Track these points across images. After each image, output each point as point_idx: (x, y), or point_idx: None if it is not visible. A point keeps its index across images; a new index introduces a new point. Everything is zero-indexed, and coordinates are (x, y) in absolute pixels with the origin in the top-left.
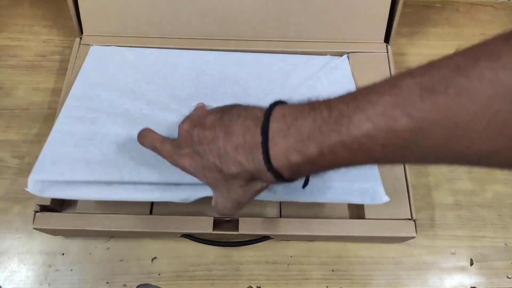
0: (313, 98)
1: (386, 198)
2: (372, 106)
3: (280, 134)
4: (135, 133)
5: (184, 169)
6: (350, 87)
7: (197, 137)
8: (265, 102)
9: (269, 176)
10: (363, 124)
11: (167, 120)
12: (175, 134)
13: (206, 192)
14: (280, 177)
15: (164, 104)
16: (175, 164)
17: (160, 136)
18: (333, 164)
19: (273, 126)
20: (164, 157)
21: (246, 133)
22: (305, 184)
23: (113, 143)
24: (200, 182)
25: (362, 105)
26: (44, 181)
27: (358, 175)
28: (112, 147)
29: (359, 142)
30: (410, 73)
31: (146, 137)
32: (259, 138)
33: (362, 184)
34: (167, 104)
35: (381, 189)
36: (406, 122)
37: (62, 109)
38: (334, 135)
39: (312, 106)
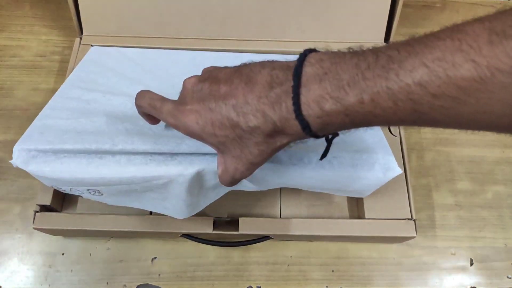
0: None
1: (398, 170)
2: (429, 51)
3: (316, 79)
4: (130, 109)
5: (187, 128)
6: None
7: (209, 90)
8: None
9: (295, 126)
10: (417, 69)
11: None
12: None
13: (204, 164)
14: (307, 129)
15: (162, 89)
16: (177, 124)
17: (161, 96)
18: (371, 117)
19: (308, 70)
20: (163, 116)
21: (273, 81)
22: (323, 155)
23: (106, 115)
24: (198, 152)
25: (418, 49)
26: (30, 150)
27: (367, 146)
28: (104, 119)
29: (408, 91)
30: (478, 19)
31: (144, 97)
32: (290, 83)
33: (372, 154)
34: (166, 90)
35: (392, 159)
36: (469, 69)
37: (57, 91)
38: (379, 81)
39: (355, 52)
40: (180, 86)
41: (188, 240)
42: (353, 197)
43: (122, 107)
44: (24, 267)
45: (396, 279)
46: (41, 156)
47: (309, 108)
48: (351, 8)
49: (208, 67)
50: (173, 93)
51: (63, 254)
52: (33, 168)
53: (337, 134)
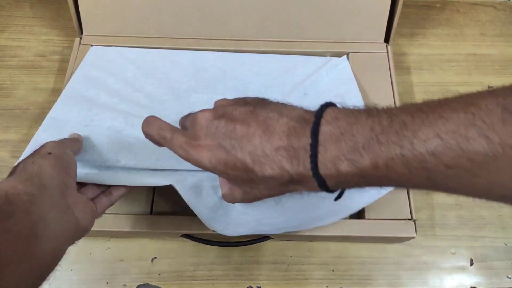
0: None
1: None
2: (443, 122)
3: (332, 138)
4: (132, 121)
5: (198, 163)
6: (352, 85)
7: (224, 129)
8: (267, 96)
9: (311, 182)
10: (431, 140)
11: (166, 111)
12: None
13: (209, 182)
14: (323, 186)
15: (163, 96)
16: (188, 157)
17: (170, 125)
18: (386, 180)
19: (324, 129)
20: (174, 148)
21: (291, 134)
22: (338, 197)
23: (109, 129)
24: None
25: (431, 119)
26: None
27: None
28: (107, 133)
29: (422, 159)
30: (491, 92)
31: (152, 125)
32: (307, 140)
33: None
34: (167, 96)
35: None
36: (482, 144)
37: (58, 99)
38: (393, 147)
39: (369, 112)
40: (180, 91)
41: (188, 240)
42: None
43: (123, 118)
44: None
45: (396, 278)
46: None
47: (326, 168)
48: (351, 8)
49: (221, 101)
50: (173, 99)
51: None
52: None
53: None
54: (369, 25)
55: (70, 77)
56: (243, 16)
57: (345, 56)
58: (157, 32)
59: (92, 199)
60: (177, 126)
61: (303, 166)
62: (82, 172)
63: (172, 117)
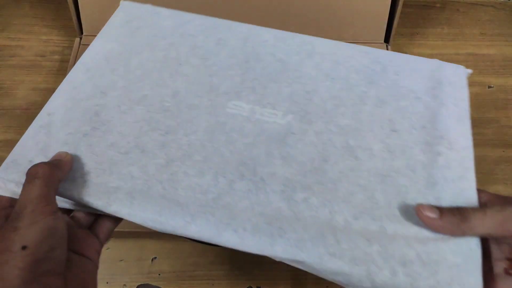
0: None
1: None
2: None
3: None
4: (145, 142)
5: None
6: (465, 125)
7: None
8: (332, 118)
9: None
10: None
11: (191, 125)
12: (196, 153)
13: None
14: None
15: (194, 97)
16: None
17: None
18: None
19: None
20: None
21: None
22: None
23: (111, 148)
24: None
25: None
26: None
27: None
28: (109, 153)
29: None
30: None
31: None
32: None
33: None
34: (198, 98)
35: None
36: None
37: (64, 81)
38: None
39: None
40: (218, 92)
41: (188, 240)
42: None
43: (135, 131)
44: None
45: None
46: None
47: None
48: (352, 8)
49: None
50: (206, 105)
51: None
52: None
53: None
54: (369, 25)
55: None
56: (244, 16)
57: (461, 68)
58: None
59: (91, 227)
60: (199, 148)
61: None
62: (70, 194)
63: (199, 135)
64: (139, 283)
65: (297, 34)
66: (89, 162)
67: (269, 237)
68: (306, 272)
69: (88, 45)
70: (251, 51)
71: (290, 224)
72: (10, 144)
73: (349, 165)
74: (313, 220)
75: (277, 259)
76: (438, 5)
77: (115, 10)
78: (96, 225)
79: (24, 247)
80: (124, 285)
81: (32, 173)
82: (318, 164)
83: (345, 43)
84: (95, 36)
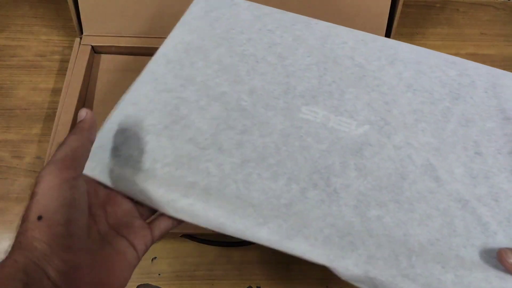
0: None
1: None
2: None
3: None
4: (222, 140)
5: None
6: None
7: None
8: (412, 133)
9: None
10: None
11: (266, 126)
12: (271, 156)
13: None
14: None
15: (270, 97)
16: None
17: None
18: None
19: None
20: None
21: None
22: None
23: (190, 142)
24: None
25: None
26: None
27: None
28: (187, 148)
29: None
30: None
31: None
32: None
33: None
34: (275, 99)
35: None
36: None
37: (145, 72)
38: None
39: None
40: (294, 94)
41: (188, 240)
42: None
43: (213, 127)
44: None
45: None
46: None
47: None
48: (351, 8)
49: None
50: (281, 106)
51: None
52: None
53: None
54: (369, 25)
55: (70, 77)
56: None
57: None
58: (157, 32)
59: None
60: (274, 151)
61: None
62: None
63: (274, 138)
64: (139, 283)
65: (378, 37)
66: (169, 154)
67: (340, 250)
68: (306, 272)
69: (88, 45)
70: (329, 52)
71: (362, 240)
72: (10, 144)
73: (429, 186)
74: (386, 239)
75: (344, 276)
76: (438, 5)
77: (115, 10)
78: (155, 220)
79: (39, 217)
80: None
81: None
82: (395, 181)
83: (430, 50)
84: (95, 36)
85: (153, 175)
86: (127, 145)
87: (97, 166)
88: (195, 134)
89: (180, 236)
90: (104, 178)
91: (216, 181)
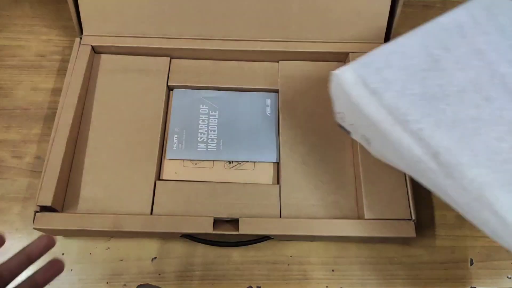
0: None
1: None
2: None
3: None
4: (467, 95)
5: None
6: None
7: None
8: None
9: None
10: None
11: None
12: (499, 122)
13: None
14: None
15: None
16: None
17: None
18: None
19: None
20: None
21: None
22: None
23: (439, 87)
24: None
25: None
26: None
27: None
28: (435, 90)
29: None
30: None
31: None
32: None
33: None
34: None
35: None
36: None
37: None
38: None
39: None
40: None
41: (188, 240)
42: (353, 198)
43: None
44: None
45: (396, 278)
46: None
47: None
48: (351, 9)
49: None
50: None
51: (63, 254)
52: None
53: None
54: (369, 25)
55: (70, 77)
56: (244, 16)
57: None
58: (157, 32)
59: None
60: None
61: None
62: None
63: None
64: (139, 283)
65: None
66: (416, 88)
67: None
68: (306, 272)
69: (88, 45)
70: None
71: None
72: (10, 144)
73: None
74: None
75: None
76: (438, 5)
77: (115, 10)
78: None
79: None
80: (124, 285)
81: None
82: None
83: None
84: (95, 36)
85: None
86: (385, 72)
87: (357, 79)
88: (445, 82)
89: (180, 236)
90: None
91: (448, 120)
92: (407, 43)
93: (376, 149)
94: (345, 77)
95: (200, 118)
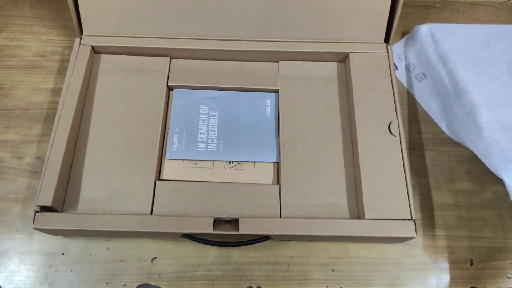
0: None
1: None
2: None
3: None
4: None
5: None
6: None
7: None
8: None
9: None
10: None
11: None
12: None
13: None
14: None
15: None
16: None
17: None
18: None
19: None
20: None
21: None
22: None
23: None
24: None
25: None
26: None
27: None
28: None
29: None
30: None
31: None
32: None
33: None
34: None
35: None
36: None
37: None
38: None
39: None
40: None
41: (188, 240)
42: (353, 198)
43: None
44: (24, 267)
45: (396, 279)
46: None
47: None
48: (351, 9)
49: None
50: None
51: (63, 254)
52: None
53: None
54: (369, 25)
55: (70, 77)
56: (244, 16)
57: None
58: (157, 32)
59: None
60: None
61: None
62: None
63: None
64: (139, 283)
65: None
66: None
67: None
68: (306, 272)
69: (88, 45)
70: None
71: None
72: (10, 144)
73: None
74: None
75: None
76: (438, 5)
77: (115, 10)
78: None
79: None
80: (124, 285)
81: None
82: None
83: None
84: (95, 36)
85: None
86: (449, 35)
87: (429, 31)
88: (486, 56)
89: (180, 236)
90: None
91: (474, 70)
92: (476, 27)
93: (426, 83)
94: (423, 28)
95: (200, 118)
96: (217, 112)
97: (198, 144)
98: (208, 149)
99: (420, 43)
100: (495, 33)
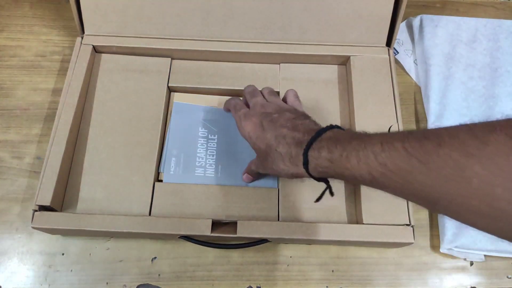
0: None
1: None
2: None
3: (326, 139)
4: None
5: (241, 130)
6: None
7: (270, 118)
8: None
9: (300, 161)
10: (375, 146)
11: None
12: None
13: None
14: (305, 164)
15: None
16: (238, 125)
17: (241, 103)
18: (344, 169)
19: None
20: (235, 116)
21: (304, 131)
22: (318, 199)
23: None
24: None
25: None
26: None
27: None
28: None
29: (367, 158)
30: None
31: (230, 103)
32: (307, 138)
33: None
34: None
35: None
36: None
37: None
38: (355, 148)
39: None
40: None
41: (188, 240)
42: (351, 202)
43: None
44: (24, 267)
45: (396, 279)
46: None
47: (312, 151)
48: (353, 12)
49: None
50: None
51: (63, 254)
52: None
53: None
54: (371, 29)
55: (70, 77)
56: (245, 17)
57: None
58: (158, 33)
59: None
60: None
61: (300, 147)
62: None
63: None
64: (139, 283)
65: None
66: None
67: None
68: (305, 272)
69: (89, 45)
70: None
71: None
72: (10, 144)
73: None
74: None
75: None
76: (438, 5)
77: (116, 10)
78: None
79: None
80: (124, 285)
81: None
82: None
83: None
84: (96, 35)
85: None
86: (437, 27)
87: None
88: (466, 55)
89: (178, 237)
90: None
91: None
92: (469, 21)
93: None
94: (416, 20)
95: (199, 142)
96: (216, 136)
97: (196, 168)
98: (206, 175)
99: (411, 33)
100: (486, 28)
